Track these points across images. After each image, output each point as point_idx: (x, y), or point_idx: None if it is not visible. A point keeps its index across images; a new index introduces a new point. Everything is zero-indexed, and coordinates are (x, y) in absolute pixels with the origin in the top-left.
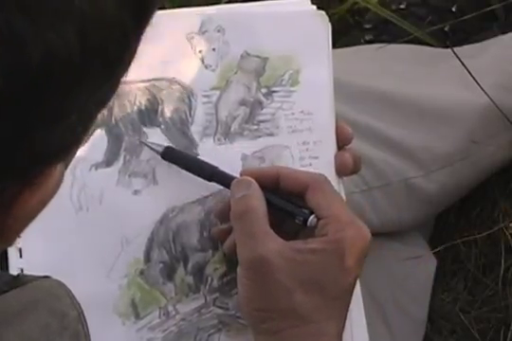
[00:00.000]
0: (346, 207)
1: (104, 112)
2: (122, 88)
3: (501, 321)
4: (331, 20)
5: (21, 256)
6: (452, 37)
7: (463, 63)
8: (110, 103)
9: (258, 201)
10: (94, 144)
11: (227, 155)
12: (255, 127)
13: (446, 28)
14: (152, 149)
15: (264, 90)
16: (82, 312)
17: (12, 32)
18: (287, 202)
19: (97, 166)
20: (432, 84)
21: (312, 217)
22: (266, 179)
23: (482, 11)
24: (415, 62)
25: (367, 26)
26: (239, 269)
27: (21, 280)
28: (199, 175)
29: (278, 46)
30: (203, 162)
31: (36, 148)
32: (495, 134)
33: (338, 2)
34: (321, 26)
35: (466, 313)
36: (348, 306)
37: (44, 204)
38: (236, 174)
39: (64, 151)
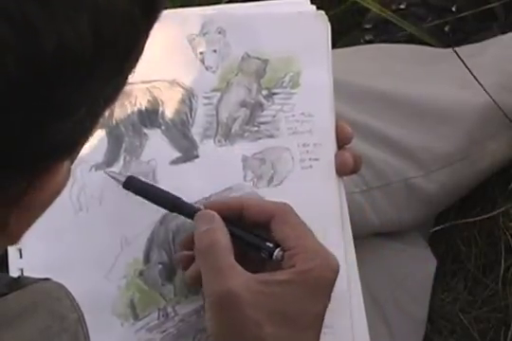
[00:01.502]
0: (313, 237)
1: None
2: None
3: (501, 321)
4: (331, 20)
5: (21, 256)
6: (452, 37)
7: (464, 62)
8: None
9: (221, 234)
10: (94, 145)
11: (227, 157)
12: (256, 129)
13: (446, 28)
14: (113, 178)
15: (264, 92)
16: (82, 314)
17: (26, 22)
18: (252, 234)
19: (97, 166)
20: (432, 84)
21: (277, 250)
22: (230, 211)
23: (481, 11)
24: (415, 61)
25: (367, 26)
26: (205, 304)
27: (21, 283)
28: (162, 206)
29: (278, 48)
30: (166, 192)
31: (45, 141)
32: (495, 133)
33: (337, 2)
34: (321, 26)
35: (466, 313)
36: (319, 334)
37: (50, 201)
38: (237, 176)
39: (72, 146)
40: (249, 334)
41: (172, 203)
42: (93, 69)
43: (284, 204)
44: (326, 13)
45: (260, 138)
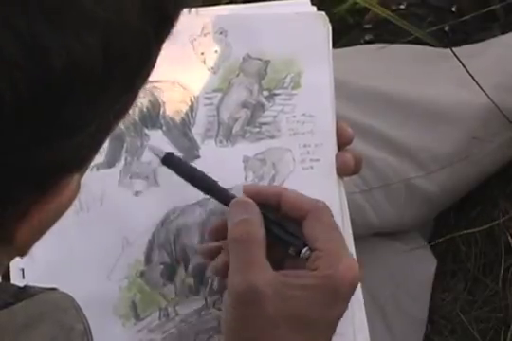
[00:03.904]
0: (341, 241)
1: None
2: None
3: (501, 321)
4: (331, 20)
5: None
6: (452, 37)
7: (462, 64)
8: None
9: (257, 226)
10: None
11: (228, 157)
12: (257, 129)
13: (446, 28)
14: (153, 152)
15: (265, 93)
16: (89, 325)
17: (35, 40)
18: (283, 228)
19: (98, 166)
20: (432, 84)
21: (306, 250)
22: (267, 200)
23: (482, 11)
24: (415, 62)
25: (367, 26)
26: (227, 297)
27: (27, 292)
28: (197, 187)
29: (280, 49)
30: (204, 174)
31: (53, 157)
32: (495, 133)
33: (338, 2)
34: (322, 27)
35: (466, 313)
36: (330, 339)
37: (58, 215)
38: (238, 177)
39: (81, 160)
40: (264, 333)
41: (208, 185)
42: (103, 86)
43: (322, 203)
44: (326, 13)
45: (261, 139)
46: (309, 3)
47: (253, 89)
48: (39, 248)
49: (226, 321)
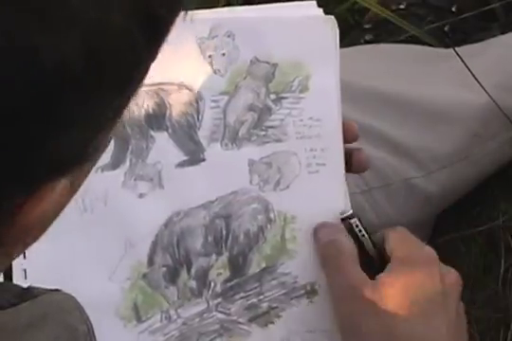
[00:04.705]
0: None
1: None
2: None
3: (501, 321)
4: None
5: (24, 257)
6: (452, 37)
7: (464, 63)
8: None
9: (348, 243)
10: None
11: (233, 160)
12: (263, 133)
13: (445, 28)
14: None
15: (273, 96)
16: (92, 326)
17: (24, 39)
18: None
19: (103, 168)
20: (432, 84)
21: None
22: None
23: (481, 11)
24: (415, 62)
25: (367, 26)
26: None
27: (31, 293)
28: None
29: (287, 52)
30: None
31: (43, 157)
32: (495, 133)
33: (337, 2)
34: (330, 31)
35: (466, 313)
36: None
37: (47, 221)
38: (243, 180)
39: (66, 165)
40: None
41: None
42: (90, 92)
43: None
44: (326, 13)
45: (267, 142)
46: (315, 5)
47: (260, 92)
48: (42, 248)
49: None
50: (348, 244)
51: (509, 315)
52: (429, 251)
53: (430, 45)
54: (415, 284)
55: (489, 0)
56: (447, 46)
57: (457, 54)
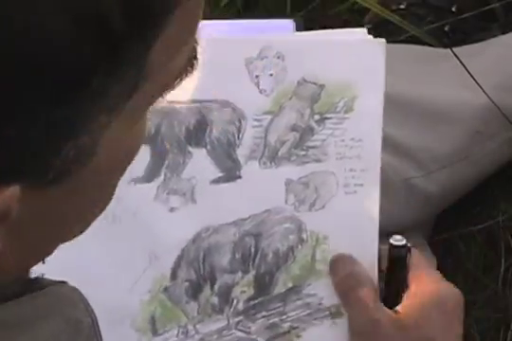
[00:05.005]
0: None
1: (151, 129)
2: (173, 107)
3: (501, 321)
4: (331, 20)
5: (43, 262)
6: (452, 37)
7: (462, 64)
8: (158, 120)
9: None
10: (136, 159)
11: (270, 179)
12: (303, 152)
13: (445, 28)
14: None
15: (316, 117)
16: (96, 318)
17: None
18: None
19: (136, 181)
20: (432, 84)
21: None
22: None
23: (481, 11)
24: (415, 62)
25: (367, 26)
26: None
27: (38, 284)
28: None
29: (335, 74)
30: None
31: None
32: (495, 133)
33: (338, 2)
34: (379, 54)
35: (465, 313)
36: None
37: (112, 166)
38: (279, 199)
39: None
40: None
41: None
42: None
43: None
44: (326, 13)
45: (307, 163)
46: (366, 32)
47: (304, 113)
48: (64, 254)
49: None
50: (368, 277)
51: (509, 315)
52: (457, 292)
53: (430, 45)
54: (440, 325)
55: (489, 0)
56: (446, 46)
57: (454, 54)
